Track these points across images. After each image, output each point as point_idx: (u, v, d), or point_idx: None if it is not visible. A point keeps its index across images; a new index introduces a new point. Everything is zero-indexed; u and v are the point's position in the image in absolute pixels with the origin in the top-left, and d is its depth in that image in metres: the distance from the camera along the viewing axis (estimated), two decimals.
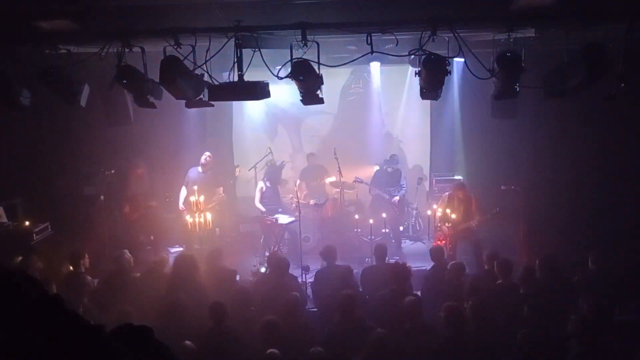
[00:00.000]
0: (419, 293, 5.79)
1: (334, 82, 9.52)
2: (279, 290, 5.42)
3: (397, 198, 8.81)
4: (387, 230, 8.65)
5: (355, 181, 9.17)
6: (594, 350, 4.27)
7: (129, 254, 6.19)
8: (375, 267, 6.31)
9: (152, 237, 8.40)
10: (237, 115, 10.43)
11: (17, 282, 1.27)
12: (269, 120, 10.60)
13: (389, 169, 8.96)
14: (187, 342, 4.21)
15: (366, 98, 10.41)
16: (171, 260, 6.46)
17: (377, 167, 9.52)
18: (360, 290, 6.01)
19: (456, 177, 7.78)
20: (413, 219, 9.43)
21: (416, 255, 8.04)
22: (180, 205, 8.25)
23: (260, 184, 8.63)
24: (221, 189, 8.68)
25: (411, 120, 10.40)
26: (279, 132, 10.74)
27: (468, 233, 7.64)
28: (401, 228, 9.09)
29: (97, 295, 5.74)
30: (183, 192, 8.26)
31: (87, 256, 6.18)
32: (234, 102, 9.72)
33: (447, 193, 7.88)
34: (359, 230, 8.65)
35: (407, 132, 10.46)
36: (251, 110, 10.50)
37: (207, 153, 8.35)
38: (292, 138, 10.78)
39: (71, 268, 6.08)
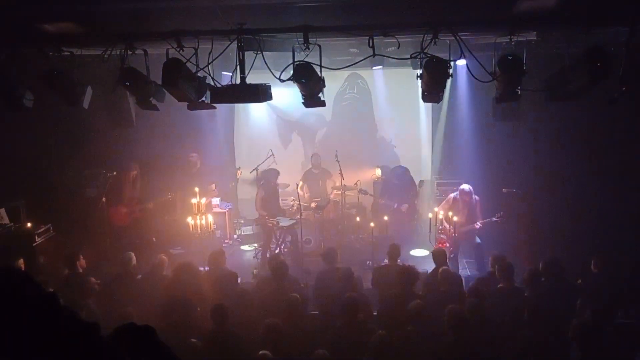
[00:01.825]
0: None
1: (328, 87, 9.56)
2: (279, 293, 5.43)
3: (406, 206, 8.75)
4: (388, 234, 8.63)
5: (360, 192, 9.15)
6: (595, 354, 4.26)
7: (134, 256, 6.22)
8: (388, 267, 6.34)
9: (153, 239, 8.43)
10: (239, 118, 10.47)
11: (12, 280, 1.27)
12: (281, 127, 10.64)
13: (396, 181, 8.90)
14: (193, 340, 4.22)
15: (361, 103, 10.47)
16: (170, 261, 6.49)
17: (378, 170, 9.52)
18: (371, 287, 6.20)
19: (463, 186, 7.77)
20: (415, 222, 9.43)
21: (417, 261, 8.02)
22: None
23: (259, 189, 8.67)
24: (213, 185, 8.71)
25: (411, 124, 10.42)
26: (293, 139, 10.78)
27: (470, 236, 7.64)
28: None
29: (101, 297, 5.75)
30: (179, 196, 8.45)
31: (82, 257, 6.18)
32: (237, 105, 9.75)
33: (452, 195, 7.89)
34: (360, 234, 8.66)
35: (407, 135, 10.47)
36: (255, 113, 10.54)
37: (192, 154, 8.72)
38: (306, 146, 10.80)
39: (67, 270, 6.08)
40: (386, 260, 6.60)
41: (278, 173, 8.71)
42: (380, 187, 9.20)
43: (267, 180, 8.62)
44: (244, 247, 9.23)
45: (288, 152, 10.57)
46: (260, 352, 4.04)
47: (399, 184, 8.82)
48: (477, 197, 7.71)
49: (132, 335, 1.52)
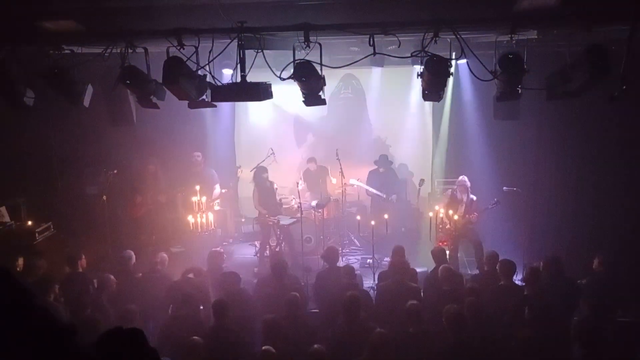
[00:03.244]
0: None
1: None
2: (280, 291, 5.44)
3: (394, 196, 8.81)
4: (388, 232, 8.64)
5: (350, 184, 9.16)
6: (597, 353, 4.26)
7: (133, 254, 6.23)
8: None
9: (153, 237, 8.44)
10: (240, 117, 10.47)
11: None
12: (282, 126, 10.65)
13: (381, 170, 9.03)
14: (195, 338, 4.23)
15: (355, 103, 10.49)
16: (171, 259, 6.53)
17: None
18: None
19: (460, 178, 7.88)
20: (414, 220, 9.43)
21: (418, 258, 8.03)
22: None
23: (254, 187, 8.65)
24: (217, 185, 8.70)
25: (412, 123, 10.41)
26: (292, 138, 10.79)
27: (469, 232, 7.64)
28: (402, 229, 9.08)
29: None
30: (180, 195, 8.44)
31: (84, 257, 6.19)
32: (237, 103, 9.75)
33: (449, 190, 7.99)
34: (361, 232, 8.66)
35: (408, 134, 10.46)
36: (255, 111, 10.54)
37: (196, 153, 8.59)
38: (304, 146, 10.82)
39: (68, 269, 6.09)
40: (387, 259, 6.61)
41: (265, 170, 8.65)
42: (367, 177, 9.26)
43: (258, 178, 8.58)
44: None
45: (288, 150, 10.56)
46: (264, 347, 4.06)
47: (384, 171, 8.92)
48: (474, 197, 7.74)
49: (119, 340, 1.51)
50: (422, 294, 5.68)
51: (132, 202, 8.33)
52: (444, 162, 9.65)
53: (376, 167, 9.22)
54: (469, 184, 7.72)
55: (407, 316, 4.67)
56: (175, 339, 4.47)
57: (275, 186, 8.71)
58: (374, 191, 8.94)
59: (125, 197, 8.34)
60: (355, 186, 9.25)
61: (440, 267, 5.79)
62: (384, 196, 8.83)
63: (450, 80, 8.53)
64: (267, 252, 8.38)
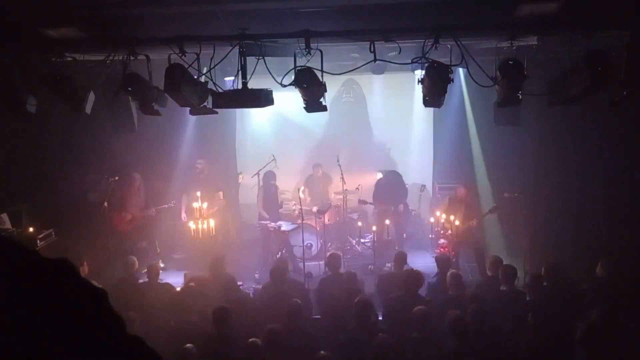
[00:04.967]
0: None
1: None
2: (280, 298, 5.43)
3: (401, 206, 8.77)
4: (390, 238, 8.63)
5: (359, 202, 9.13)
6: (601, 358, 4.24)
7: (136, 260, 6.23)
8: (393, 275, 6.31)
9: (155, 244, 8.42)
10: (243, 123, 10.50)
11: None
12: (283, 132, 10.69)
13: (385, 183, 8.96)
14: (189, 345, 4.21)
15: (357, 108, 10.51)
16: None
17: (379, 174, 9.52)
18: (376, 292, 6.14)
19: (460, 183, 7.89)
20: (416, 226, 9.42)
21: (419, 264, 8.02)
22: (183, 215, 8.38)
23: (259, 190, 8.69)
24: (221, 193, 8.69)
25: (413, 128, 10.43)
26: (294, 144, 10.82)
27: (470, 238, 7.63)
28: (404, 235, 9.07)
29: None
30: (184, 200, 8.41)
31: (85, 263, 6.18)
32: (238, 110, 9.78)
33: (449, 195, 8.00)
34: (362, 238, 8.63)
35: (409, 139, 10.48)
36: (256, 118, 10.57)
37: (199, 160, 8.54)
38: (306, 151, 10.84)
39: None
40: (388, 265, 6.58)
41: (274, 174, 8.73)
42: (374, 192, 9.22)
43: (265, 182, 8.65)
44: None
45: (289, 156, 10.58)
46: (250, 340, 4.05)
47: (390, 186, 8.88)
48: (474, 203, 7.75)
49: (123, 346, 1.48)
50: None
51: (119, 219, 8.17)
52: (444, 167, 9.65)
53: (381, 177, 9.20)
54: (469, 189, 7.73)
55: (414, 321, 4.64)
56: (175, 346, 4.45)
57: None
58: (382, 207, 8.87)
59: (116, 211, 8.24)
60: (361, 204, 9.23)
61: (449, 273, 5.77)
62: (392, 208, 8.77)
63: (459, 86, 8.65)
64: (270, 258, 8.37)
